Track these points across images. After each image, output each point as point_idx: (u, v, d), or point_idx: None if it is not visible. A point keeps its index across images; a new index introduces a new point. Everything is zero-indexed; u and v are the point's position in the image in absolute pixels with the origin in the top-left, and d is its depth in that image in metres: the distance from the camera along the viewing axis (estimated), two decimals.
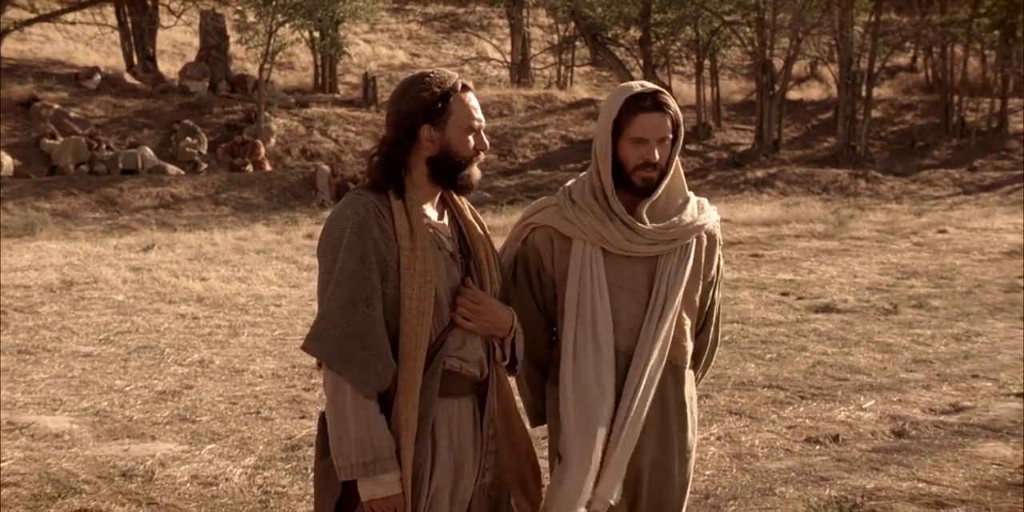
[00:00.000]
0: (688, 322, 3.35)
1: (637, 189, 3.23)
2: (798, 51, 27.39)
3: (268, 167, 23.47)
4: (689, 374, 3.40)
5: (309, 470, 5.60)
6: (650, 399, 3.23)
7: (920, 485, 5.52)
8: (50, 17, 29.14)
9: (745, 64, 32.46)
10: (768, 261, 13.78)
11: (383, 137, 3.01)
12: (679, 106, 3.30)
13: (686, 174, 3.40)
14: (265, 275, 12.51)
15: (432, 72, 3.00)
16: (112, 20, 29.83)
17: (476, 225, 3.14)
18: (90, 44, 31.05)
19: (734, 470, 5.79)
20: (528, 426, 3.34)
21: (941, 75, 29.58)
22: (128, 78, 26.90)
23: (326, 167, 22.48)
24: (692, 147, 26.40)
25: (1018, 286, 11.56)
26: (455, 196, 3.14)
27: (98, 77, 26.53)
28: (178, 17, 29.64)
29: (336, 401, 2.87)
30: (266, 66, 25.33)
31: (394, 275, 2.90)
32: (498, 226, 12.22)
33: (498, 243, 3.26)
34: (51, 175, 21.44)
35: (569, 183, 3.37)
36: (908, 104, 29.86)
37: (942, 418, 6.75)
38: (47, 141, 22.27)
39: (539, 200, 3.43)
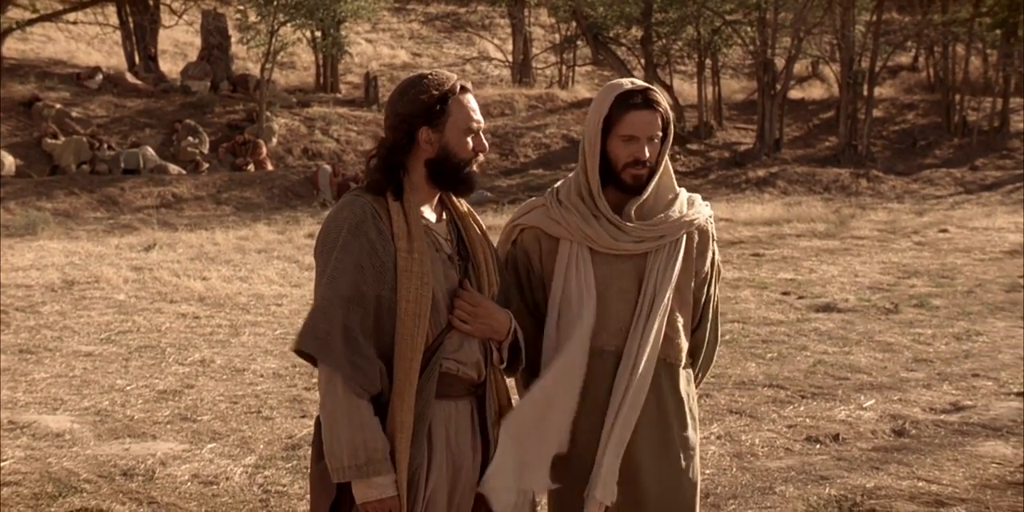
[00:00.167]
0: (681, 319, 3.31)
1: (627, 187, 3.21)
2: (799, 50, 27.39)
3: (269, 167, 23.49)
4: (685, 372, 3.37)
5: (309, 470, 5.60)
6: (643, 399, 3.20)
7: (920, 484, 5.52)
8: (52, 17, 29.19)
9: (747, 63, 32.45)
10: (769, 260, 13.78)
11: (381, 139, 3.00)
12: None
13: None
14: (266, 274, 12.52)
15: (430, 74, 2.99)
16: (114, 20, 29.86)
17: (475, 227, 3.12)
18: (92, 44, 31.08)
19: (734, 469, 5.80)
20: None
21: (943, 74, 29.57)
22: (130, 78, 26.93)
23: (328, 167, 22.50)
24: (694, 146, 26.41)
25: (1019, 285, 11.56)
26: (454, 198, 3.13)
27: (100, 77, 26.57)
28: (180, 17, 29.66)
29: (328, 401, 2.85)
30: (268, 66, 25.36)
31: (391, 277, 2.89)
32: (499, 226, 12.15)
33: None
34: (53, 175, 21.46)
35: (558, 183, 3.35)
36: (910, 103, 29.86)
37: (942, 417, 6.75)
38: (49, 141, 22.30)
39: (528, 201, 3.42)
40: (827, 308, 10.37)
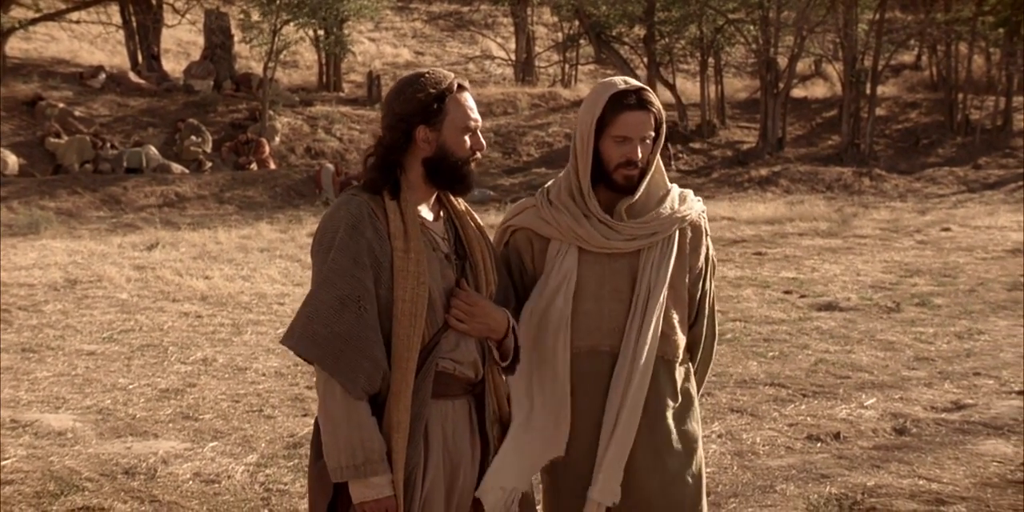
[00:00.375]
0: (677, 316, 3.31)
1: (618, 187, 3.21)
2: (802, 49, 27.37)
3: (272, 166, 23.49)
4: (682, 367, 3.36)
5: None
6: (643, 399, 3.20)
7: (920, 482, 5.53)
8: (55, 16, 29.21)
9: (749, 62, 32.45)
10: (771, 259, 13.78)
11: (379, 138, 3.00)
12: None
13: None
14: (269, 273, 12.53)
15: (427, 72, 2.98)
16: (117, 19, 29.89)
17: (473, 226, 3.11)
18: (95, 43, 31.11)
19: (735, 467, 5.80)
20: None
21: (945, 73, 29.54)
22: (133, 77, 26.94)
23: (330, 165, 22.50)
24: (696, 145, 26.40)
25: (1021, 284, 11.56)
26: (452, 197, 3.12)
27: (103, 76, 26.58)
28: (182, 16, 29.67)
29: (327, 403, 2.85)
30: (270, 65, 25.37)
31: (387, 277, 2.88)
32: None
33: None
34: (56, 174, 21.47)
35: (548, 183, 3.35)
36: (912, 102, 29.83)
37: (943, 416, 6.75)
38: (52, 140, 22.32)
39: (519, 202, 3.41)
40: (829, 307, 10.37)
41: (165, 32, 29.75)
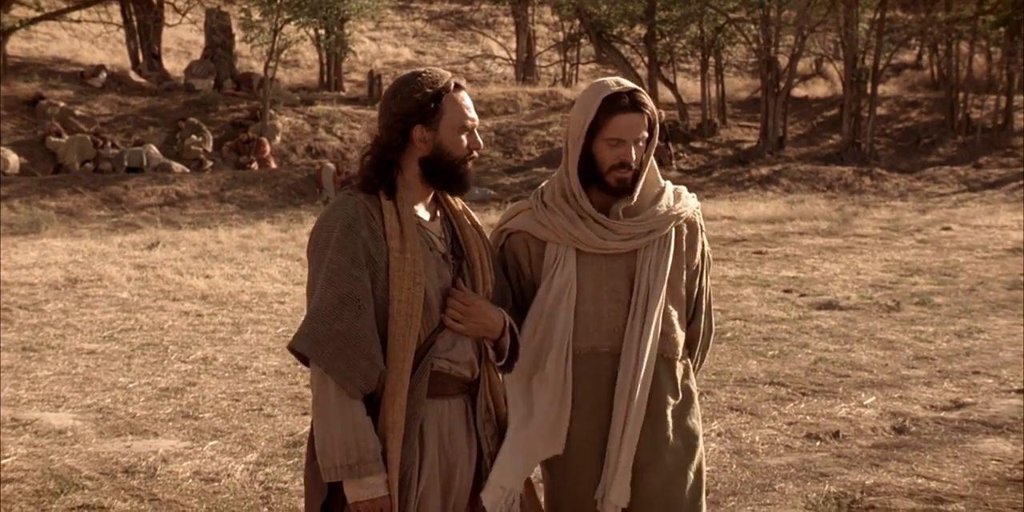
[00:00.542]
0: (675, 313, 3.30)
1: (611, 189, 3.20)
2: (803, 48, 27.36)
3: (273, 165, 23.49)
4: (682, 364, 3.35)
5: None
6: (647, 398, 3.19)
7: (919, 481, 5.53)
8: (56, 15, 29.21)
9: (750, 61, 32.44)
10: (772, 258, 13.78)
11: (376, 138, 2.99)
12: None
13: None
14: (269, 272, 12.54)
15: (424, 72, 2.97)
16: (117, 18, 29.88)
17: (470, 225, 3.10)
18: (95, 42, 31.11)
19: (734, 466, 5.81)
20: None
21: (946, 72, 29.54)
22: (133, 76, 26.94)
23: (331, 165, 22.50)
24: (697, 144, 26.41)
25: (1021, 283, 11.56)
26: (449, 196, 3.11)
27: (103, 75, 26.58)
28: (183, 15, 29.66)
29: (321, 402, 2.84)
30: (271, 64, 25.37)
31: (383, 276, 2.88)
32: None
33: None
34: (56, 173, 21.48)
35: (542, 185, 3.34)
36: (913, 101, 29.83)
37: (943, 414, 6.76)
38: (53, 139, 22.32)
39: (513, 205, 3.40)
40: (829, 306, 10.38)
41: (166, 31, 29.75)
